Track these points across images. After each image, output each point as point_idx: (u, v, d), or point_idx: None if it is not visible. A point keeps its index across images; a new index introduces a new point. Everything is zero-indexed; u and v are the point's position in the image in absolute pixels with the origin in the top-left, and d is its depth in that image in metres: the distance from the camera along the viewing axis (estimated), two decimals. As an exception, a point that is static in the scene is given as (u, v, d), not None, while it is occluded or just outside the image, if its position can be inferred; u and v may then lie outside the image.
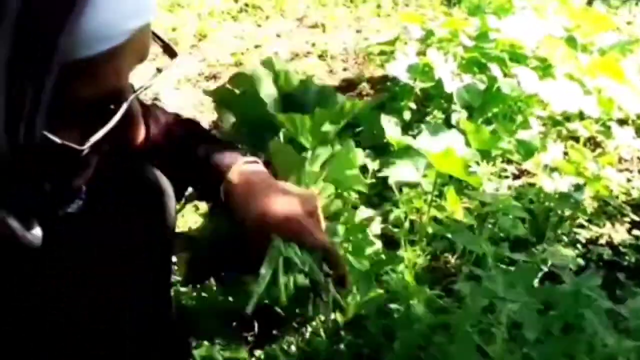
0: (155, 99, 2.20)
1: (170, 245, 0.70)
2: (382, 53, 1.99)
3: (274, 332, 1.07)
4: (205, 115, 2.08)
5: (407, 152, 1.25)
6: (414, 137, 1.60)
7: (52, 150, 0.46)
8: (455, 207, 1.14)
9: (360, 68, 2.27)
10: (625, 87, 1.70)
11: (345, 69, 2.33)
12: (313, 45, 2.55)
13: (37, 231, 0.53)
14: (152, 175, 0.68)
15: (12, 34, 0.41)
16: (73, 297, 0.59)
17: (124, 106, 0.48)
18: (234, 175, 0.71)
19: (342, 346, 1.06)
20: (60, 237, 0.56)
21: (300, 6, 3.05)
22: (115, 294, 0.62)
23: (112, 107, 0.48)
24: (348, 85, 2.18)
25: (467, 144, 1.45)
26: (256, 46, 2.54)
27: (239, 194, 0.70)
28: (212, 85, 2.30)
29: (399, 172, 1.13)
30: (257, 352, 1.03)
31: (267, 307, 1.03)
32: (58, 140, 0.45)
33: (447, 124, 1.56)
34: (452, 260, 1.30)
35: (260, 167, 0.74)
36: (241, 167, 0.71)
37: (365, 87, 2.10)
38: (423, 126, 1.30)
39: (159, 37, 0.52)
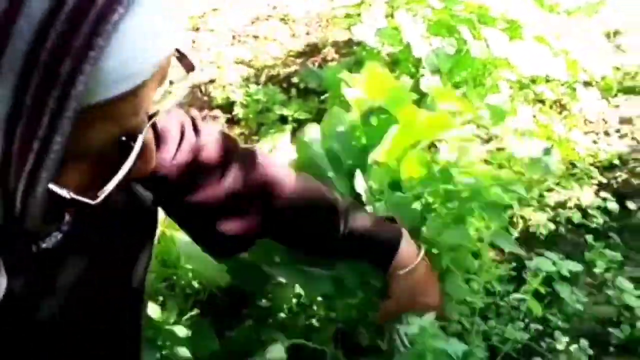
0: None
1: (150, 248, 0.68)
2: (347, 16, 1.92)
3: (243, 311, 1.03)
4: (163, 83, 1.98)
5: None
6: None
7: (57, 203, 0.40)
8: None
9: (324, 32, 2.20)
10: (590, 49, 1.70)
11: (308, 33, 2.24)
12: (274, 8, 2.44)
13: (2, 280, 0.46)
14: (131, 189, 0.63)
15: (17, 76, 0.33)
16: (65, 297, 0.56)
17: (139, 141, 0.42)
18: (399, 267, 0.81)
19: (314, 321, 1.03)
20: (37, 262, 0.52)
21: (259, -34, 2.91)
22: (103, 295, 0.60)
23: (123, 138, 0.41)
24: (312, 50, 2.10)
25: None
26: (214, 9, 2.42)
27: (401, 287, 0.82)
28: (169, 51, 2.18)
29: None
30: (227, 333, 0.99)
31: (234, 287, 0.99)
32: (68, 195, 0.39)
33: (417, 89, 1.52)
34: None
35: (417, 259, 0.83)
36: (405, 256, 0.81)
37: (330, 51, 2.03)
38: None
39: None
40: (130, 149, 0.41)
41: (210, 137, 0.73)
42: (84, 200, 0.40)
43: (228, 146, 0.74)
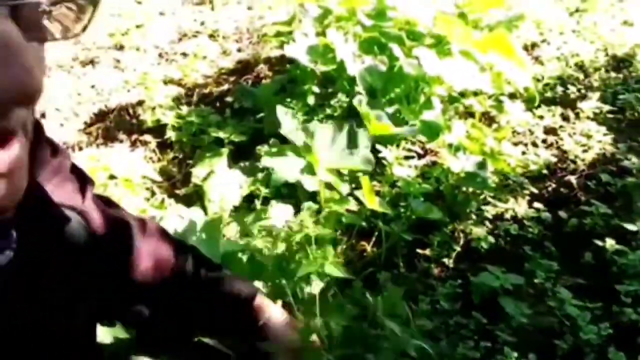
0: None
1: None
2: (278, 34, 1.90)
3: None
4: (84, 106, 1.86)
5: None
6: (320, 121, 1.55)
7: None
8: (370, 197, 1.10)
9: (255, 48, 2.16)
10: (512, 62, 1.77)
11: (239, 50, 2.20)
12: (202, 24, 2.38)
13: None
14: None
15: None
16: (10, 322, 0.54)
17: None
18: (265, 315, 0.85)
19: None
20: None
21: (183, -19, 2.83)
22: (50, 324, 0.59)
23: None
24: (244, 68, 2.06)
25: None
26: (137, 26, 2.31)
27: (280, 332, 0.85)
28: (90, 72, 2.06)
29: (283, 169, 1.10)
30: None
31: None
32: None
33: (352, 107, 1.52)
34: (369, 249, 1.27)
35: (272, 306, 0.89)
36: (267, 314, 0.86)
37: (263, 69, 2.00)
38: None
39: None
40: None
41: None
42: None
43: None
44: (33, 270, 0.55)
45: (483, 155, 1.35)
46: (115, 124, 1.74)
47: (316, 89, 1.57)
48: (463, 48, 1.61)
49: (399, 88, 1.50)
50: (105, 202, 0.76)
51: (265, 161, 1.13)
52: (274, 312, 0.86)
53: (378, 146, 1.38)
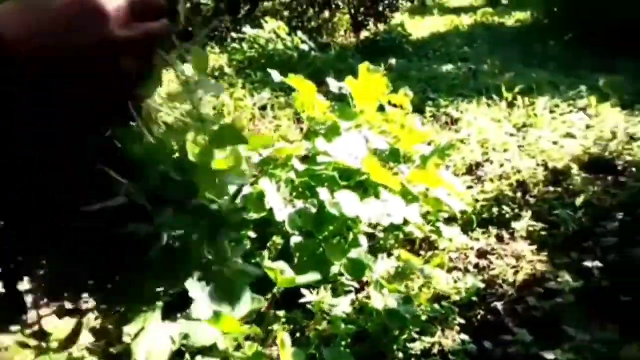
0: None
1: None
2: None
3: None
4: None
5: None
6: (257, 264, 1.62)
7: None
8: (283, 353, 1.14)
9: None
10: (451, 184, 1.87)
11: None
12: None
13: None
14: None
15: None
16: None
17: None
18: None
19: None
20: None
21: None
22: None
23: None
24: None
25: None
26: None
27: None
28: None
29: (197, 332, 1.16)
30: None
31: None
32: None
33: (286, 251, 1.60)
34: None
35: None
36: None
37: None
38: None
39: None
40: None
41: None
42: None
43: None
44: None
45: (402, 293, 1.40)
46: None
47: (252, 234, 1.66)
48: (390, 185, 1.72)
49: (327, 229, 1.59)
50: None
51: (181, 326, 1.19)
52: None
53: (303, 290, 1.43)
